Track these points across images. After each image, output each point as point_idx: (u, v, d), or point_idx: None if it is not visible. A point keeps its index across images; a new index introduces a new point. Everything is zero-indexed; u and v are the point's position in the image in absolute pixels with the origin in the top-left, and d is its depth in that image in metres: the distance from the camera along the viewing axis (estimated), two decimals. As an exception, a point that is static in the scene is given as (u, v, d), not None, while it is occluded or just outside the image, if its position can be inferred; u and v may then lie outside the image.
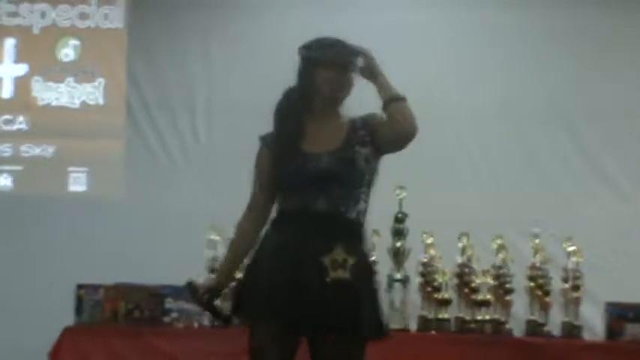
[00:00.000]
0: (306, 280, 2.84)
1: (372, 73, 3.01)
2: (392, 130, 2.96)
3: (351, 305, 2.84)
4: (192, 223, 5.39)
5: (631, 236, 5.50)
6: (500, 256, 4.70)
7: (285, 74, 5.77)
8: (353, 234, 2.93)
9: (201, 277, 4.74)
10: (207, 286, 3.06)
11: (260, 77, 5.72)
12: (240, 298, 2.96)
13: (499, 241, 4.71)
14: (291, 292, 2.83)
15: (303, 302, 2.82)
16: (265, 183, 3.02)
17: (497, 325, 4.63)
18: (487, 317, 4.65)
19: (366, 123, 3.02)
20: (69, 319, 4.71)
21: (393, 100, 2.96)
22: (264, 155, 3.05)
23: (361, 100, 3.04)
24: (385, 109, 2.97)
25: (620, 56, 5.75)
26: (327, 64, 3.01)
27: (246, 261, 3.03)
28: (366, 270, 2.91)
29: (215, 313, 3.08)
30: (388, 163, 5.37)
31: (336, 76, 3.01)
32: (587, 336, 4.74)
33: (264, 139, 3.07)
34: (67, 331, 4.59)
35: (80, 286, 4.74)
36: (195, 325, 4.65)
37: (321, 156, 2.95)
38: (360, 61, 3.01)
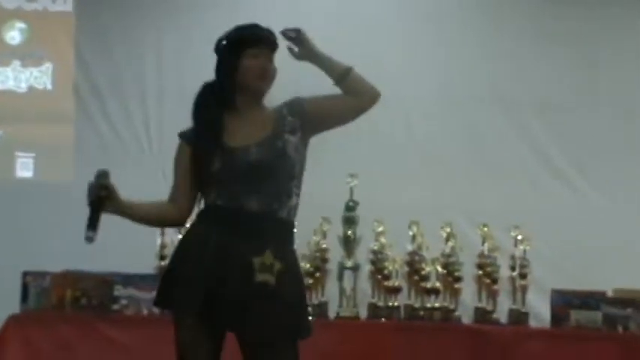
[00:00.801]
0: (230, 277, 2.76)
1: (312, 51, 2.94)
2: (357, 100, 2.94)
3: (273, 311, 2.76)
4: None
5: (577, 225, 5.58)
6: (450, 244, 4.74)
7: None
8: (283, 235, 2.87)
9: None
10: (112, 188, 3.02)
11: (211, 63, 5.69)
12: (163, 287, 2.90)
13: (448, 230, 4.75)
14: (213, 286, 2.75)
15: (224, 299, 2.75)
16: (183, 180, 2.95)
17: (447, 312, 4.67)
18: (436, 305, 4.69)
19: (293, 109, 2.93)
20: (15, 307, 4.63)
21: (347, 73, 2.93)
22: (184, 151, 2.95)
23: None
24: (341, 84, 2.92)
25: (568, 45, 5.81)
26: (255, 48, 2.90)
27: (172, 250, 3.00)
28: (291, 275, 2.84)
29: (94, 217, 2.95)
30: (339, 150, 5.44)
31: (264, 62, 2.90)
32: (533, 323, 4.81)
33: (184, 135, 2.97)
34: (11, 319, 4.53)
35: (26, 273, 4.67)
36: (145, 312, 4.62)
37: (249, 148, 2.85)
38: (298, 41, 2.93)
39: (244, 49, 2.93)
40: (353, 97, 2.95)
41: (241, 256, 2.78)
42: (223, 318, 2.79)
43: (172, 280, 2.86)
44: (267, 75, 2.92)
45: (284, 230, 2.87)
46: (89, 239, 2.94)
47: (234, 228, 2.81)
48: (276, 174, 2.86)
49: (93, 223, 2.92)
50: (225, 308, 2.77)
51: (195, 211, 2.95)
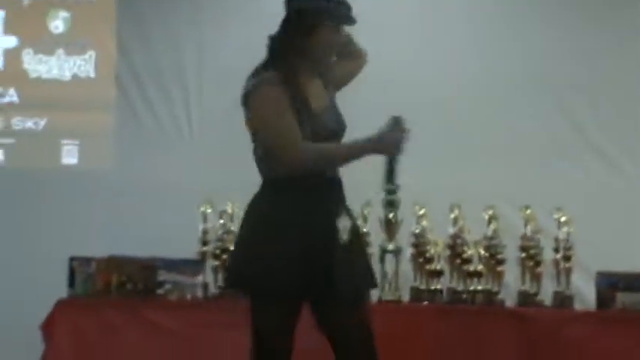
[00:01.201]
0: (323, 244, 2.81)
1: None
2: (356, 64, 3.06)
3: (358, 268, 2.89)
4: (185, 195, 5.40)
5: (621, 206, 5.51)
6: (492, 227, 4.71)
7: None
8: (344, 195, 2.98)
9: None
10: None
11: (252, 45, 5.66)
12: (258, 274, 2.82)
13: (490, 212, 4.72)
14: (323, 263, 2.80)
15: (319, 267, 2.79)
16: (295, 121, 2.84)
17: (489, 295, 4.65)
18: (479, 288, 4.67)
19: (327, 79, 2.99)
20: (62, 292, 4.71)
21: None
22: (282, 95, 2.84)
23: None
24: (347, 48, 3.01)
25: (609, 29, 5.71)
26: (334, 22, 2.88)
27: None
28: (357, 232, 2.98)
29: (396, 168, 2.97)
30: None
31: (338, 38, 2.91)
32: (578, 306, 4.77)
33: (271, 80, 2.87)
34: (59, 304, 4.60)
35: (73, 259, 4.74)
36: (188, 296, 4.67)
37: (325, 114, 2.88)
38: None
39: (324, 19, 2.90)
40: (352, 62, 2.97)
41: (328, 220, 2.83)
42: (315, 287, 2.80)
43: (270, 263, 2.79)
44: (334, 52, 2.96)
45: (343, 190, 2.97)
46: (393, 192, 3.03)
47: (317, 195, 2.84)
48: (340, 140, 2.95)
49: (394, 175, 2.97)
50: (319, 276, 2.79)
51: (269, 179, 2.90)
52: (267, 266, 2.81)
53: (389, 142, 2.90)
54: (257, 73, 2.98)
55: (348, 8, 2.94)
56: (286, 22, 2.97)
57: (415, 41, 5.65)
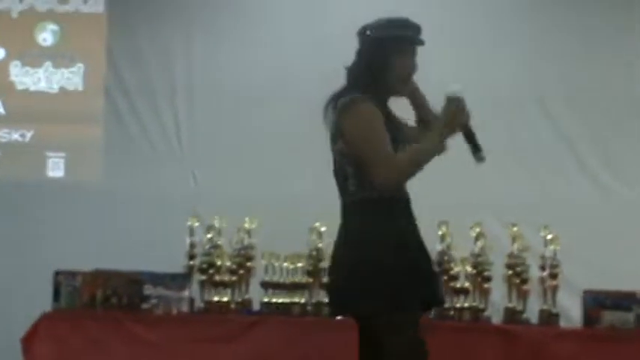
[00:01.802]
0: (425, 258, 2.98)
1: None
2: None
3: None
4: (172, 209, 5.39)
5: (609, 223, 5.52)
6: (479, 243, 4.71)
7: (266, 59, 5.80)
8: None
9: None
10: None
11: (241, 63, 5.71)
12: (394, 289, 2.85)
13: (478, 229, 4.72)
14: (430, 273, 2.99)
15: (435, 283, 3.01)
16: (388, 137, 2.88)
17: (476, 312, 4.64)
18: (466, 305, 4.66)
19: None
20: (47, 305, 4.68)
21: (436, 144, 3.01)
22: (380, 115, 2.89)
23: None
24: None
25: (601, 44, 5.74)
26: (408, 47, 2.93)
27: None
28: None
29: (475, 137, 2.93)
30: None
31: (411, 64, 2.95)
32: (564, 323, 4.76)
33: (364, 98, 2.90)
34: (43, 318, 4.57)
35: (58, 273, 4.71)
36: (174, 311, 4.64)
37: (414, 139, 2.97)
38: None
39: (395, 47, 2.94)
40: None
41: (417, 235, 2.98)
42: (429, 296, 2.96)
43: (404, 279, 2.86)
44: (410, 78, 2.98)
45: None
46: (483, 158, 3.07)
47: (405, 214, 2.96)
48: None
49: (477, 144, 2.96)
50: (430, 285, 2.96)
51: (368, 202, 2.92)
52: (391, 282, 2.85)
53: (454, 118, 2.90)
54: (337, 97, 3.00)
55: (417, 30, 2.98)
56: (362, 52, 2.99)
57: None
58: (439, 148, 2.92)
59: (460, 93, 2.86)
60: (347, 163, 2.94)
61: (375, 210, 2.89)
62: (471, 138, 2.92)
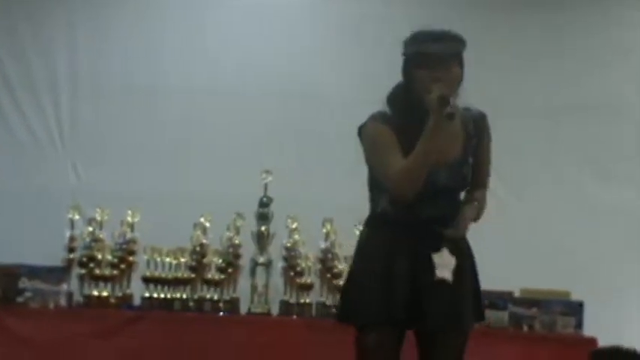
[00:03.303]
0: (419, 281, 2.89)
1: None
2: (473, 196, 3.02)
3: (448, 303, 2.92)
4: (52, 202, 5.26)
5: (485, 224, 5.64)
6: (363, 242, 4.76)
7: (148, 56, 5.71)
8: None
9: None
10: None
11: (124, 59, 5.62)
12: (354, 303, 2.95)
13: (361, 228, 4.76)
14: (407, 293, 2.88)
15: (417, 302, 2.89)
16: (399, 151, 2.85)
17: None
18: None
19: (478, 131, 3.00)
20: None
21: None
22: (387, 131, 2.89)
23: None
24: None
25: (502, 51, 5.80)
26: (423, 62, 2.86)
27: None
28: (465, 270, 2.98)
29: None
30: (253, 146, 5.41)
31: (433, 74, 2.84)
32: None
33: (375, 116, 2.95)
34: None
35: None
36: (51, 305, 4.53)
37: (439, 169, 2.89)
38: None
39: (414, 61, 2.91)
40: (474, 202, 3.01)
41: (423, 255, 2.89)
42: (406, 315, 2.89)
43: (367, 293, 2.91)
44: (439, 89, 2.81)
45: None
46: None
47: (412, 232, 2.90)
48: (456, 194, 3.00)
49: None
50: (410, 306, 2.89)
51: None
52: (358, 295, 2.95)
53: (440, 115, 2.80)
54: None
55: (444, 43, 2.89)
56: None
57: (303, 50, 5.65)
58: (430, 148, 2.81)
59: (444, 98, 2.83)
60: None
61: (368, 223, 3.05)
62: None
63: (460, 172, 2.96)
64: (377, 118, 2.97)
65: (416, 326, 2.95)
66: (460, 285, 2.94)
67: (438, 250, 2.91)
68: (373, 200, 3.03)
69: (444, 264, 2.92)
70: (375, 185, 3.01)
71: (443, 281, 2.90)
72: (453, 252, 2.93)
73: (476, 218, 3.02)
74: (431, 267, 2.89)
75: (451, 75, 2.88)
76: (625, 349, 1.62)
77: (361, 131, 3.02)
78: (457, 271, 2.93)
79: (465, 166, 2.98)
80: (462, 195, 3.03)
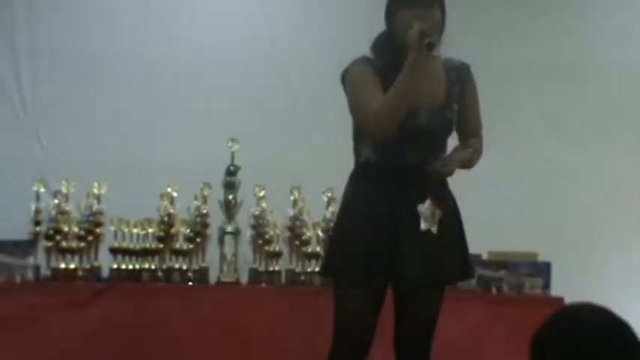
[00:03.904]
0: (402, 233, 2.88)
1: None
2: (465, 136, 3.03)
3: (434, 258, 2.92)
4: (16, 175, 5.20)
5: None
6: (331, 208, 4.75)
7: (109, 22, 5.62)
8: (439, 184, 2.96)
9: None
10: None
11: (86, 25, 5.53)
12: (336, 256, 2.97)
13: (329, 194, 4.76)
14: (388, 246, 2.88)
15: (399, 256, 2.88)
16: (381, 91, 2.87)
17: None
18: (317, 269, 4.70)
19: (461, 79, 3.01)
20: None
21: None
22: (369, 72, 2.92)
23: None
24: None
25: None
26: (405, 2, 2.90)
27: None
28: (451, 221, 2.98)
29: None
30: (220, 114, 5.37)
31: (415, 13, 2.85)
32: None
33: (358, 60, 2.96)
34: None
35: None
36: (18, 279, 4.49)
37: (421, 112, 2.90)
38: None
39: (398, 9, 2.93)
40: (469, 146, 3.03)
41: (407, 206, 2.88)
42: (387, 270, 2.89)
43: (348, 246, 2.91)
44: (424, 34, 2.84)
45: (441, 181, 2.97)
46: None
47: (396, 182, 2.89)
48: (439, 139, 2.97)
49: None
50: (390, 259, 2.88)
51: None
52: (339, 248, 2.96)
53: (417, 44, 2.83)
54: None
55: None
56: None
57: (269, 18, 5.61)
58: (409, 78, 2.83)
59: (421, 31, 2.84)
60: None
61: (351, 176, 3.03)
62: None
63: (443, 115, 2.97)
64: (360, 61, 2.98)
65: (397, 282, 2.95)
66: (445, 237, 2.94)
67: (422, 200, 2.90)
68: (357, 152, 3.03)
69: (429, 215, 2.92)
70: (359, 135, 3.00)
71: (428, 233, 2.90)
72: (438, 203, 2.93)
73: (468, 164, 3.01)
74: (415, 219, 2.89)
75: (432, 16, 2.90)
76: (594, 305, 1.64)
77: (344, 76, 3.02)
78: (441, 224, 2.93)
79: (449, 111, 2.98)
80: (448, 144, 3.03)
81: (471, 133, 3.04)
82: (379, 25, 3.09)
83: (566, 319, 1.75)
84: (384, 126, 2.85)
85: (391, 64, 2.91)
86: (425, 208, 2.91)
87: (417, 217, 2.90)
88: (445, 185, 3.02)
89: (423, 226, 2.90)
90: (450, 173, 2.95)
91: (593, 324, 1.72)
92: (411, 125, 2.88)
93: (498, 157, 5.53)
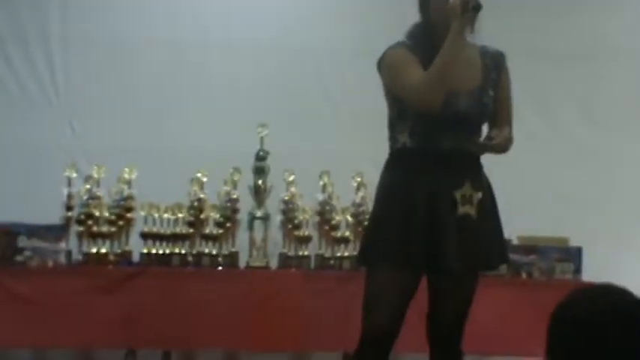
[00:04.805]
0: (439, 218, 2.87)
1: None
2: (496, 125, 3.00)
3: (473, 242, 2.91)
4: (48, 160, 5.24)
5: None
6: (360, 193, 4.76)
7: (141, 9, 5.64)
8: (476, 168, 2.98)
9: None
10: None
11: (119, 12, 5.55)
12: (372, 242, 2.96)
13: (359, 179, 4.76)
14: (425, 231, 2.87)
15: (436, 241, 2.87)
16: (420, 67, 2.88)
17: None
18: (346, 254, 4.72)
19: (497, 66, 3.01)
20: None
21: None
22: (407, 52, 2.93)
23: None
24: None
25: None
26: None
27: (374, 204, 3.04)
28: (489, 205, 2.98)
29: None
30: (249, 100, 5.38)
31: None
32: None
33: (393, 45, 2.97)
34: None
35: None
36: (50, 263, 4.53)
37: (458, 96, 2.90)
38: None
39: None
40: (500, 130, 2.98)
41: (445, 191, 2.88)
42: (424, 256, 2.88)
43: (384, 231, 2.91)
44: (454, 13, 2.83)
45: (476, 163, 2.98)
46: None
47: (433, 167, 2.89)
48: (476, 123, 2.97)
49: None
50: (427, 244, 2.87)
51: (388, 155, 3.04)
52: (375, 234, 2.95)
53: (462, 19, 2.83)
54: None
55: None
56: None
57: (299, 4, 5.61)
58: (456, 46, 2.82)
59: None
60: (389, 114, 3.04)
61: (387, 163, 3.03)
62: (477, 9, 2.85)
63: (480, 100, 2.95)
64: (396, 45, 2.98)
65: (434, 267, 2.93)
66: (483, 222, 2.93)
67: (460, 185, 2.89)
68: (392, 138, 3.02)
69: (467, 200, 2.90)
70: (395, 121, 2.99)
71: (466, 217, 2.89)
72: (475, 187, 2.92)
73: (504, 148, 2.98)
74: (453, 204, 2.88)
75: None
76: (613, 286, 1.64)
77: (380, 62, 3.01)
78: (479, 207, 2.92)
79: (485, 96, 2.97)
80: (484, 130, 3.01)
81: (504, 121, 3.02)
82: (413, 13, 3.07)
83: (587, 301, 1.74)
84: (429, 96, 2.83)
85: (427, 49, 2.90)
86: (464, 192, 2.90)
87: (454, 202, 2.89)
88: (481, 168, 3.00)
89: (461, 210, 2.88)
90: (491, 148, 2.93)
91: (610, 304, 1.71)
92: (448, 109, 2.87)
93: (529, 141, 5.51)
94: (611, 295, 1.74)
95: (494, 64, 3.01)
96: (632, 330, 1.68)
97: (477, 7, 2.79)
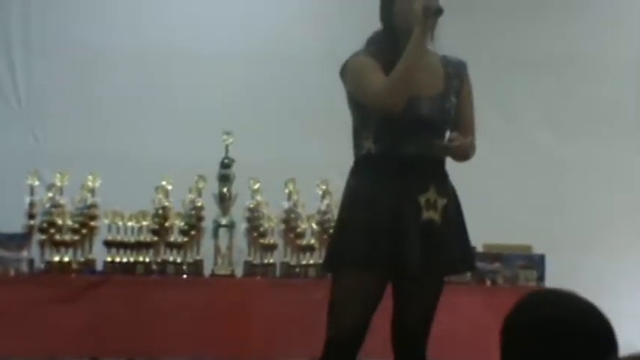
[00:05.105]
0: (404, 223, 2.88)
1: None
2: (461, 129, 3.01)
3: (437, 248, 2.92)
4: (10, 167, 5.18)
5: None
6: (325, 201, 4.76)
7: (104, 16, 5.61)
8: (440, 173, 2.99)
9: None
10: None
11: (80, 19, 5.52)
12: (337, 247, 2.97)
13: (324, 187, 4.77)
14: (390, 236, 2.87)
15: (400, 245, 2.88)
16: (382, 73, 2.89)
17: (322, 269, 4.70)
18: (312, 262, 4.72)
19: (459, 74, 3.03)
20: None
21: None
22: (369, 59, 2.95)
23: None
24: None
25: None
26: None
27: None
28: (453, 211, 2.98)
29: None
30: (214, 107, 5.36)
31: (414, 4, 2.85)
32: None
33: (357, 53, 2.98)
34: None
35: None
36: (12, 272, 4.48)
37: (420, 101, 2.92)
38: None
39: None
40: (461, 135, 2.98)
41: (409, 196, 2.89)
42: (388, 259, 2.89)
43: (349, 236, 2.92)
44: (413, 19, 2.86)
45: (441, 170, 2.99)
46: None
47: (397, 173, 2.90)
48: (439, 129, 2.97)
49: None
50: (392, 249, 2.88)
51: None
52: (341, 239, 2.96)
53: (424, 25, 2.87)
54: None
55: None
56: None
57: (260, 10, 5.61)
58: (418, 51, 2.86)
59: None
60: (353, 121, 3.05)
61: (352, 170, 3.04)
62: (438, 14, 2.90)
63: (442, 106, 2.98)
64: (358, 53, 3.01)
65: (398, 271, 2.94)
66: (447, 227, 2.94)
67: (424, 190, 2.91)
68: (357, 145, 3.03)
69: (431, 205, 2.92)
70: (360, 128, 3.01)
71: (431, 222, 2.91)
72: (440, 193, 2.94)
73: (465, 154, 3.00)
74: (417, 209, 2.90)
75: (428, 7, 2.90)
76: (564, 292, 1.65)
77: (343, 70, 3.03)
78: (443, 213, 2.93)
79: (447, 102, 2.99)
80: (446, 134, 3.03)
81: (467, 130, 3.04)
82: (376, 19, 3.09)
83: (535, 306, 1.77)
84: (391, 100, 2.86)
85: (390, 55, 2.92)
86: (426, 198, 2.92)
87: (418, 207, 2.90)
88: (446, 175, 3.02)
89: (425, 215, 2.90)
90: (452, 151, 2.95)
91: (561, 310, 1.74)
92: (410, 113, 2.89)
93: (493, 149, 5.55)
94: (559, 299, 1.77)
95: (456, 73, 3.04)
96: (576, 335, 1.70)
97: (439, 12, 2.82)
